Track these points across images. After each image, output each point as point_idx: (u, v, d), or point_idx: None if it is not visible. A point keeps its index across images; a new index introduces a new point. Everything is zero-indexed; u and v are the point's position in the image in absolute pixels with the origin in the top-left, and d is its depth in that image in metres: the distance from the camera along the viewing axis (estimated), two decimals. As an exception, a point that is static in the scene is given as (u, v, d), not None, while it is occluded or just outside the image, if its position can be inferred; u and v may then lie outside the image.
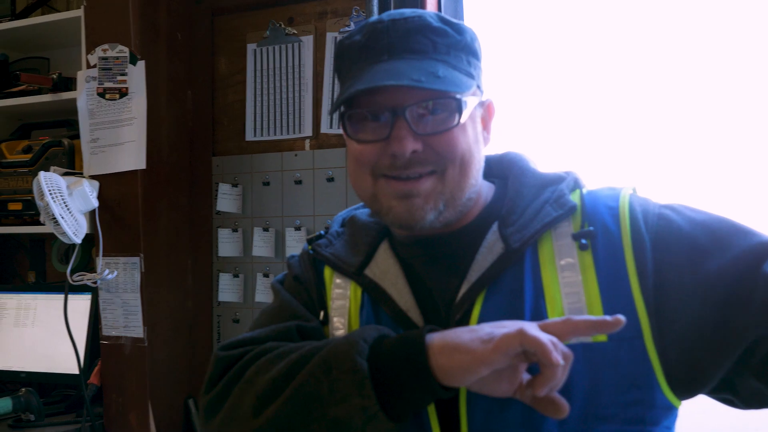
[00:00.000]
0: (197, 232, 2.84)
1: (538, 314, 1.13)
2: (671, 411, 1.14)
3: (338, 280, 1.30)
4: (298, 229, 2.70)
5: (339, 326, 1.27)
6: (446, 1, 2.64)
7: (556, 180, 1.25)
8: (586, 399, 1.09)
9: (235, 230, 2.82)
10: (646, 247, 1.13)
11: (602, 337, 1.10)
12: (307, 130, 2.71)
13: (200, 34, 2.88)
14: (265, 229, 2.76)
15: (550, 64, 2.48)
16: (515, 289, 1.15)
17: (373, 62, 1.16)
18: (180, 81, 2.80)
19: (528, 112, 2.49)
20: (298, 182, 2.72)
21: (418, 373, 1.04)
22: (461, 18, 2.66)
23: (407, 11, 1.20)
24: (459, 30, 1.19)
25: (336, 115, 2.36)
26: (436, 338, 1.05)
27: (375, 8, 2.49)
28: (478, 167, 1.21)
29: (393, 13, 1.20)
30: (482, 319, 1.13)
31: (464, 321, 1.14)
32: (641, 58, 2.34)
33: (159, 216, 2.68)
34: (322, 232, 1.40)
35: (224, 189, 2.81)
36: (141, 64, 2.59)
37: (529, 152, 1.35)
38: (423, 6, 2.58)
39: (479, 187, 1.24)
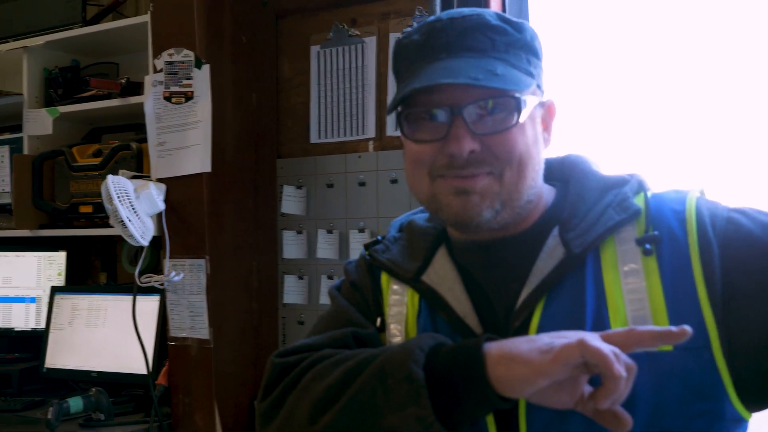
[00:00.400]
0: (262, 234, 2.86)
1: (600, 321, 1.09)
2: (740, 423, 1.10)
3: (395, 287, 1.29)
4: (361, 231, 2.69)
5: (396, 333, 1.25)
6: (511, 0, 2.61)
7: (619, 183, 1.21)
8: (651, 411, 1.06)
9: (299, 232, 2.83)
10: (714, 252, 1.09)
11: (668, 347, 1.05)
12: (371, 132, 2.71)
13: (264, 37, 2.90)
14: (329, 231, 2.77)
15: (619, 63, 2.43)
16: (576, 295, 1.11)
17: (430, 61, 1.14)
18: (244, 84, 2.82)
19: (595, 112, 2.44)
20: (362, 184, 2.72)
21: (475, 384, 1.01)
22: (526, 17, 2.62)
23: (466, 10, 1.18)
24: (519, 28, 1.17)
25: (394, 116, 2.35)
26: (493, 348, 1.03)
27: (438, 8, 2.47)
28: (536, 169, 1.18)
29: (452, 12, 1.18)
30: (542, 326, 1.10)
31: (524, 328, 1.12)
32: (712, 57, 2.28)
33: (224, 218, 2.71)
34: (380, 237, 1.38)
35: (288, 191, 2.82)
36: (206, 68, 2.62)
37: (591, 154, 1.31)
38: (486, 5, 2.55)
39: (539, 190, 1.21)
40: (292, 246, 2.83)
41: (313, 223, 2.83)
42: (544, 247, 1.16)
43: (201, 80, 2.63)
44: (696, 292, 1.08)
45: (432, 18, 1.19)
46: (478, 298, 1.19)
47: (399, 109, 1.17)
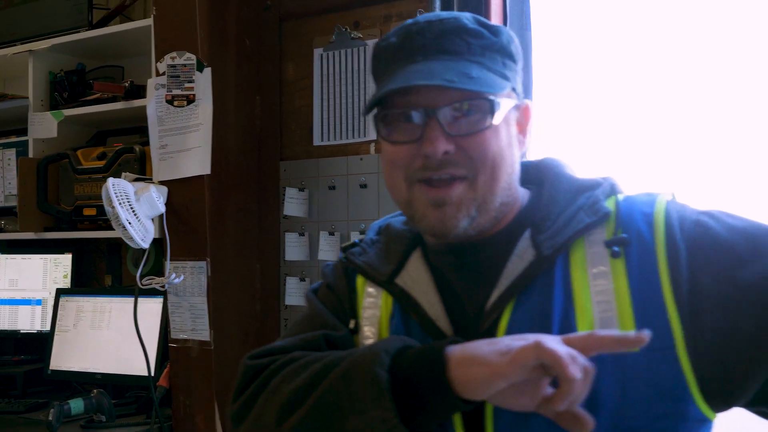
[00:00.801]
0: (265, 236, 2.87)
1: (567, 323, 1.10)
2: (705, 424, 1.09)
3: (370, 289, 1.29)
4: (363, 232, 2.69)
5: (369, 335, 1.25)
6: (512, 1, 2.60)
7: (591, 186, 1.22)
8: (615, 411, 1.05)
9: (301, 234, 2.83)
10: (681, 254, 1.10)
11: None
12: (372, 134, 2.70)
13: (267, 40, 2.91)
14: (331, 233, 2.77)
15: (619, 64, 2.42)
16: (545, 297, 1.12)
17: (407, 63, 1.15)
18: (248, 86, 2.83)
19: (590, 112, 2.43)
20: (363, 186, 2.72)
21: (437, 386, 1.02)
22: (528, 19, 2.61)
23: (444, 13, 1.19)
24: (495, 32, 1.18)
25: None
26: (456, 350, 1.03)
27: (438, 9, 2.47)
28: (510, 171, 1.18)
29: (429, 15, 1.19)
30: (510, 328, 1.11)
31: (492, 330, 1.12)
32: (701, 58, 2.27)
33: (226, 220, 2.71)
34: (357, 240, 1.38)
35: (291, 193, 2.83)
36: (207, 71, 2.63)
37: (566, 158, 1.32)
38: (487, 7, 2.55)
39: (514, 193, 1.21)
40: (294, 248, 2.83)
41: (315, 225, 2.83)
42: (515, 250, 1.16)
43: (203, 83, 2.63)
44: (662, 293, 1.08)
45: (409, 21, 1.19)
46: (450, 300, 1.20)
47: (375, 110, 1.18)
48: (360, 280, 1.31)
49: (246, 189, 2.81)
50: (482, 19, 1.20)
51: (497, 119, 1.14)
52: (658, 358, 1.06)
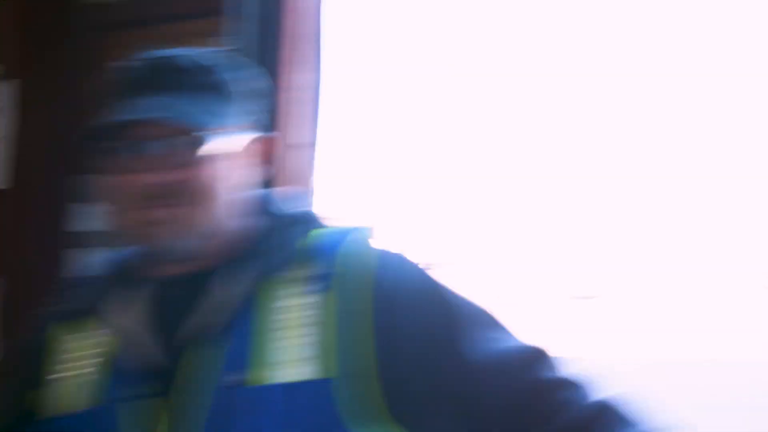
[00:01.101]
0: (64, 251, 2.82)
1: (239, 360, 1.16)
2: None
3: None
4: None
5: None
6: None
7: (289, 222, 1.29)
8: None
9: (100, 248, 2.78)
10: (368, 295, 1.20)
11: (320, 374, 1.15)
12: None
13: (77, 54, 2.87)
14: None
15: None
16: (228, 336, 1.18)
17: (122, 98, 1.22)
18: (54, 100, 2.79)
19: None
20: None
21: None
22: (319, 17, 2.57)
23: (162, 52, 1.26)
24: (211, 71, 1.25)
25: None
26: None
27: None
28: (224, 202, 1.23)
29: (148, 53, 1.26)
30: (197, 367, 1.16)
31: (182, 369, 1.18)
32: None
33: (25, 235, 2.67)
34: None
35: (89, 208, 2.78)
36: (13, 82, 2.59)
37: (281, 191, 1.42)
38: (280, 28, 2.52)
39: (232, 223, 1.26)
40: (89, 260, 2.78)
41: (113, 240, 2.78)
42: (209, 290, 1.20)
43: (5, 95, 2.60)
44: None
45: (130, 59, 1.27)
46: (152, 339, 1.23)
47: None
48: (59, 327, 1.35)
49: (49, 203, 2.77)
50: (204, 57, 1.27)
51: (206, 153, 1.20)
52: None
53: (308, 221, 1.30)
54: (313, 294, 1.19)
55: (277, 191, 1.38)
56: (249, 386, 1.13)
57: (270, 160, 1.33)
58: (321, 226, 1.30)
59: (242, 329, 1.17)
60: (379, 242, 1.26)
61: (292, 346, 1.15)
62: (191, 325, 1.19)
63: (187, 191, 1.19)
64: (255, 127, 1.32)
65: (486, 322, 1.25)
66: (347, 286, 1.19)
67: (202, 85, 1.23)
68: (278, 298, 1.19)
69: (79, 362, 1.27)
